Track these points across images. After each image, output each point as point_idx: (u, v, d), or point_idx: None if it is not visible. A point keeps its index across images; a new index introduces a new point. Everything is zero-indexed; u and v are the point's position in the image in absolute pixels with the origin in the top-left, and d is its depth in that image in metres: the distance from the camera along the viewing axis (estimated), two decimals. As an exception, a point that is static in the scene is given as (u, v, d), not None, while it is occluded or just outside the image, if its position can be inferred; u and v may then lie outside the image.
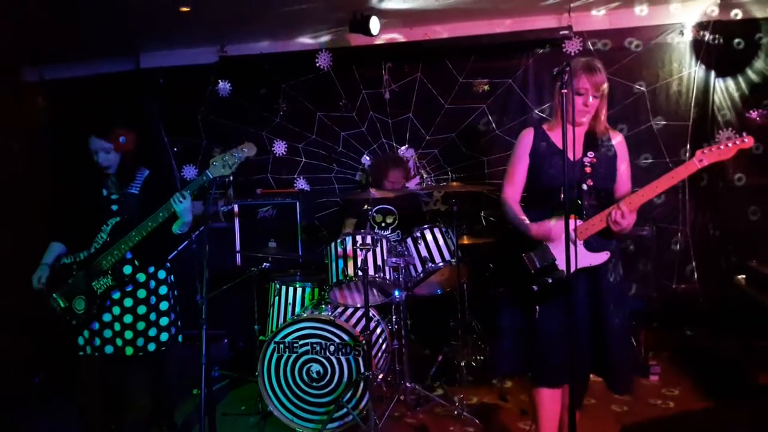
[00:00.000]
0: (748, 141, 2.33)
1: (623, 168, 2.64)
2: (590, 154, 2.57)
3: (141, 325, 2.91)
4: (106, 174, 2.94)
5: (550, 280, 2.49)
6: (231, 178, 3.47)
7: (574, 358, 2.32)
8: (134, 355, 2.90)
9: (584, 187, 2.53)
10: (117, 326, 2.89)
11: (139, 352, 2.90)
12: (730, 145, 2.33)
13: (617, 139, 2.67)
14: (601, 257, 2.50)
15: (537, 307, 2.52)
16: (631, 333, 2.71)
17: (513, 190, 2.72)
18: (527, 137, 2.69)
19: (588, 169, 2.55)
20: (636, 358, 3.54)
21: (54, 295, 2.89)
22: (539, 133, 2.69)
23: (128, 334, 2.89)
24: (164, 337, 2.98)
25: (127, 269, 2.90)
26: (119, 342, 2.89)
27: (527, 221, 2.61)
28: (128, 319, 2.90)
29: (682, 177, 2.39)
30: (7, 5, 3.72)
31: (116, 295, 2.89)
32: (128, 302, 2.90)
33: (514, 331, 2.62)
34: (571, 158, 2.55)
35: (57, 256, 2.97)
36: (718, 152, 2.34)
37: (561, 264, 2.42)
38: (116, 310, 2.89)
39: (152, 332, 2.94)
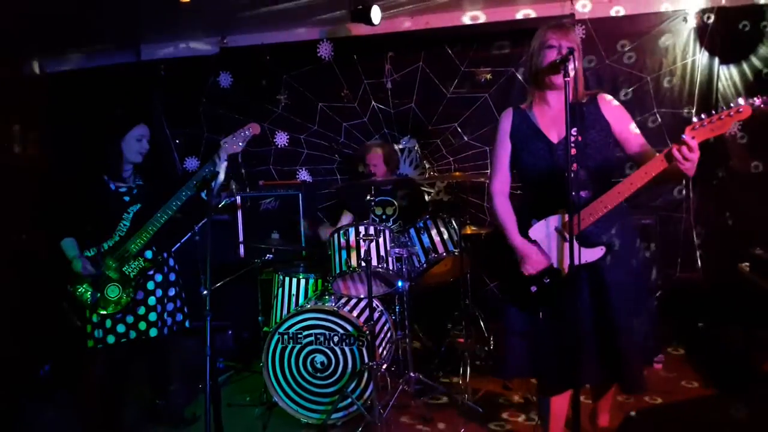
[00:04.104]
0: (744, 111, 2.01)
1: (627, 129, 2.33)
2: (573, 131, 2.22)
3: (159, 309, 3.08)
4: (117, 167, 3.04)
5: (548, 280, 2.33)
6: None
7: (578, 362, 2.17)
8: (158, 336, 3.07)
9: (571, 174, 2.13)
10: (141, 310, 3.04)
11: (161, 335, 3.08)
12: (723, 117, 2.02)
13: (606, 103, 2.35)
14: (596, 253, 2.28)
15: (541, 313, 2.35)
16: (654, 321, 2.43)
17: (499, 182, 2.47)
18: (506, 119, 2.44)
19: (573, 150, 2.19)
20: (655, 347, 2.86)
21: (81, 287, 2.94)
22: (518, 113, 2.43)
23: (152, 316, 3.06)
24: (179, 318, 3.21)
25: (149, 254, 3.04)
26: (143, 326, 3.04)
27: (512, 230, 2.37)
28: (152, 301, 3.07)
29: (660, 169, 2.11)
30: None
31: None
32: (150, 285, 3.07)
33: (518, 334, 2.42)
34: (554, 140, 2.34)
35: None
36: (711, 127, 2.03)
37: (555, 262, 2.33)
38: (139, 295, 3.03)
39: (167, 316, 3.13)
